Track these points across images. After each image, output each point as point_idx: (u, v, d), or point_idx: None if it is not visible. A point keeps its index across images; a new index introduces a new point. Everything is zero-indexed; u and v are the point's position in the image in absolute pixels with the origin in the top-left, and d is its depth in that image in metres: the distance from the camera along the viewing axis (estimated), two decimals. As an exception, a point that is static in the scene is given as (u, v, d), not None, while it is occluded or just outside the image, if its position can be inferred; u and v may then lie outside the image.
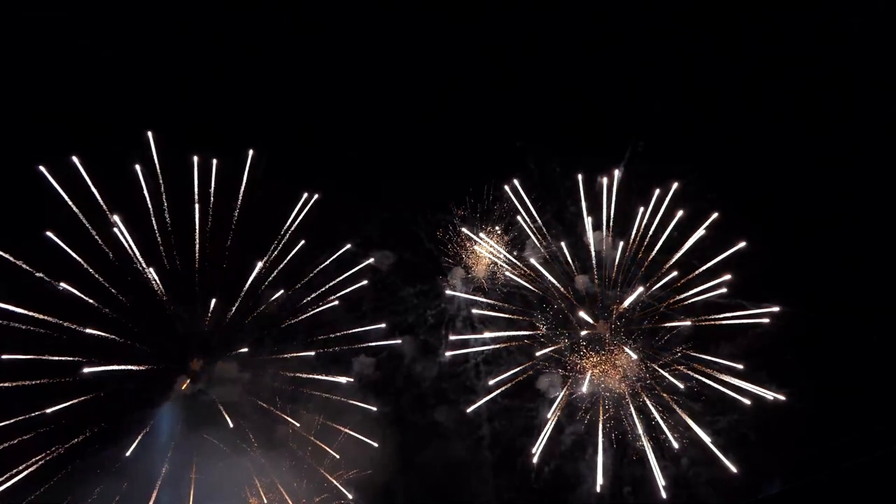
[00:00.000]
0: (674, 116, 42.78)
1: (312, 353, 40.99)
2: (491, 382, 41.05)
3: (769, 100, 43.79)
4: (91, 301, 38.04)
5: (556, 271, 41.73)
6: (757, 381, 40.78)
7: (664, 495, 38.82)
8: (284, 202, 41.87)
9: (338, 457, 39.37)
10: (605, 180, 42.92)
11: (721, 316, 41.70)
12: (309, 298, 41.55)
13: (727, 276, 41.61)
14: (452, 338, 42.00)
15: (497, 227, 42.81)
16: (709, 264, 41.93)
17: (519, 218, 42.99)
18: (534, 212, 43.16)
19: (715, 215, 42.30)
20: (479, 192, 42.50)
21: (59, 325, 37.21)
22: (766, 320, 41.53)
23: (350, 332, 41.68)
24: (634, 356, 40.77)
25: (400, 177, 42.40)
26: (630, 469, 39.38)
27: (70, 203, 38.17)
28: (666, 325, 41.92)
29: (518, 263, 42.86)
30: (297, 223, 41.85)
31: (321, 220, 41.97)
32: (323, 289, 41.74)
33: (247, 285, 40.45)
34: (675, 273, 41.92)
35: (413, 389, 41.41)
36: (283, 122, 42.76)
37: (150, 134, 39.65)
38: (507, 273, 42.66)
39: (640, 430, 39.57)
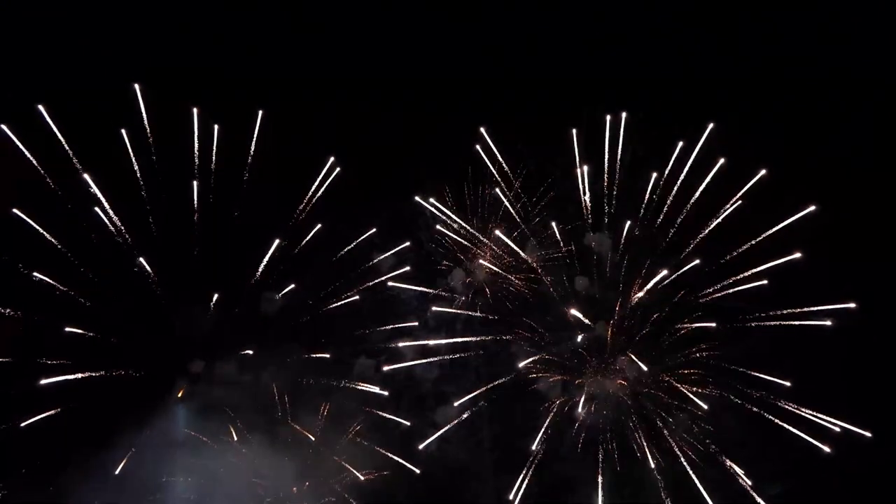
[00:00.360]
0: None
1: (328, 356, 39.51)
2: (456, 404, 39.40)
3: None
4: (71, 293, 34.37)
5: (555, 271, 40.83)
6: (803, 401, 33.52)
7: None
8: (297, 174, 38.39)
9: (341, 461, 38.99)
10: (608, 118, 36.19)
11: (786, 313, 33.46)
12: (327, 291, 39.69)
13: (797, 255, 33.13)
14: (397, 345, 40.29)
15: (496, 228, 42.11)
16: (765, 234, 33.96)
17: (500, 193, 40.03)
18: (503, 163, 39.25)
19: (762, 172, 34.32)
20: (478, 192, 42.02)
21: (31, 321, 33.65)
22: (828, 322, 33.69)
23: (382, 328, 40.17)
24: (644, 367, 36.03)
25: (399, 176, 41.89)
26: (630, 470, 38.37)
27: (42, 171, 33.14)
28: (691, 325, 35.73)
29: (497, 248, 41.36)
30: (315, 199, 38.69)
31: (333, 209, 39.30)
32: (355, 276, 39.52)
33: (260, 269, 37.68)
34: (696, 261, 35.01)
35: (413, 391, 40.98)
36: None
37: (137, 88, 34.91)
38: (492, 267, 41.58)
39: (643, 441, 37.32)
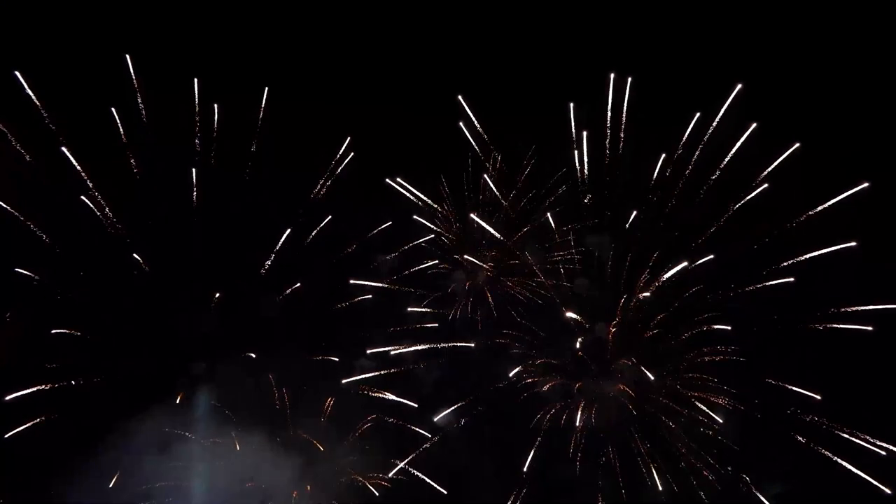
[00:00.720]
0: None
1: (335, 359, 38.89)
2: (437, 418, 38.46)
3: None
4: (65, 293, 33.18)
5: (554, 271, 39.24)
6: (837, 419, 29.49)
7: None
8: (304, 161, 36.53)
9: (344, 462, 38.57)
10: (611, 76, 32.82)
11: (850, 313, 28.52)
12: (329, 293, 38.99)
13: (851, 243, 28.47)
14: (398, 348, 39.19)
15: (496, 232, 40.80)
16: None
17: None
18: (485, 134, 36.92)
19: (796, 146, 29.88)
20: (477, 192, 40.88)
21: (21, 322, 32.39)
22: (870, 327, 29.35)
23: (383, 330, 39.18)
24: (649, 374, 33.59)
25: (399, 176, 40.98)
26: (631, 476, 36.39)
27: (23, 152, 30.44)
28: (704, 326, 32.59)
29: (496, 249, 39.83)
30: (324, 188, 37.30)
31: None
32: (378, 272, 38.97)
33: (270, 260, 36.55)
34: (710, 255, 31.29)
35: (414, 393, 40.15)
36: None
37: (128, 59, 32.12)
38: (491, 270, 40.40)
39: (642, 447, 35.65)
